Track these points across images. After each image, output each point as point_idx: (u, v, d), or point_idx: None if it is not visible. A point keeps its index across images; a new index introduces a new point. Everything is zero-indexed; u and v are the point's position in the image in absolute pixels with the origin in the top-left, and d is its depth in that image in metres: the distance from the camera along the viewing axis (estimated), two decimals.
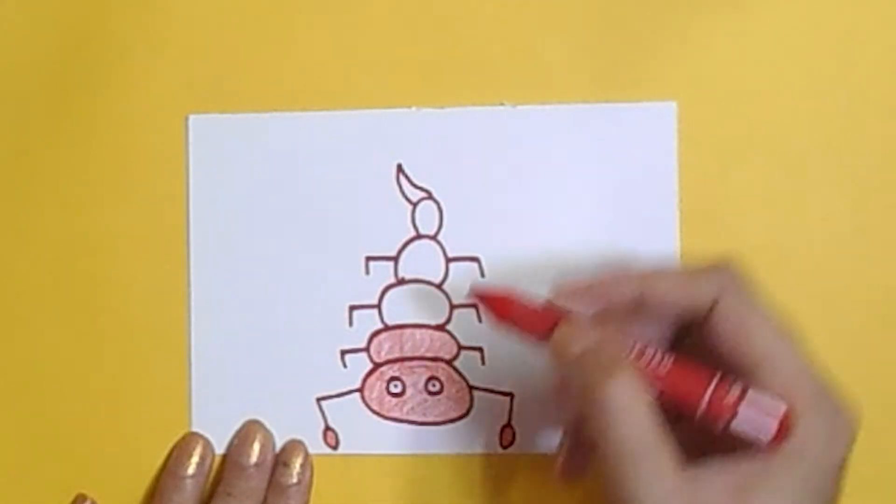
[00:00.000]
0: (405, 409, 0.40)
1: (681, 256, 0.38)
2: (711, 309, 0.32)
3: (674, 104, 0.39)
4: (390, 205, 0.40)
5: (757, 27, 0.39)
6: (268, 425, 0.40)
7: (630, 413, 0.30)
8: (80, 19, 0.41)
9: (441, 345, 0.39)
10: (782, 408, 0.30)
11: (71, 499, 0.40)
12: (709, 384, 0.31)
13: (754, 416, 0.30)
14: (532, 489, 0.39)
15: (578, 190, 0.39)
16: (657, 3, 0.39)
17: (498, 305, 0.35)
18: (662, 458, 0.30)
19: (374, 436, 0.40)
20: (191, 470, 0.39)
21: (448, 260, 0.39)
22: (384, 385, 0.40)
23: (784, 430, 0.30)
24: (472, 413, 0.39)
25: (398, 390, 0.40)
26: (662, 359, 0.32)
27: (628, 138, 0.39)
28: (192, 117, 0.40)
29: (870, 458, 0.38)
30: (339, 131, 0.40)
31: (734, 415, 0.30)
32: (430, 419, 0.40)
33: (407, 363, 0.40)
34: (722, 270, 0.33)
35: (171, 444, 0.40)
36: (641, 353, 0.32)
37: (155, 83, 0.40)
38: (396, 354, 0.40)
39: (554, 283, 0.34)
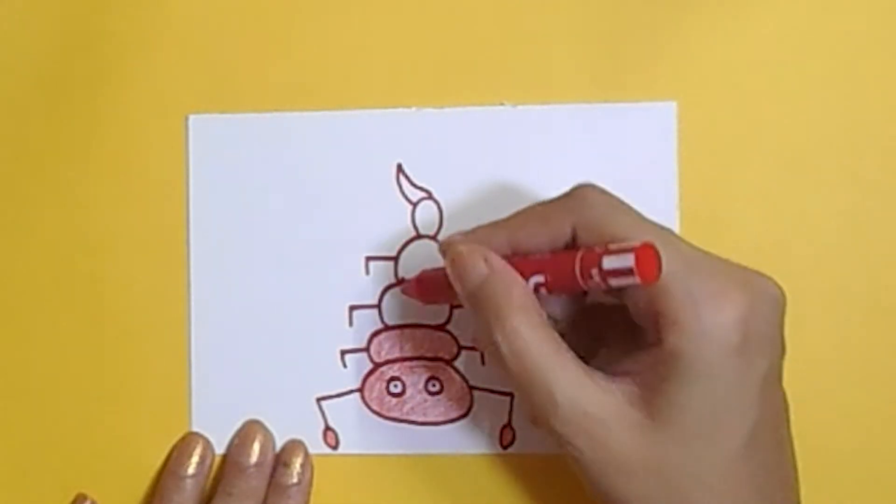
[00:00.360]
0: (405, 409, 0.40)
1: None
2: (577, 235, 0.33)
3: (674, 104, 0.39)
4: (390, 205, 0.40)
5: (757, 27, 0.39)
6: (268, 425, 0.40)
7: (522, 352, 0.31)
8: (80, 19, 0.41)
9: (441, 345, 0.39)
10: (637, 243, 0.30)
11: (71, 499, 0.40)
12: (575, 253, 0.32)
13: (616, 257, 0.30)
14: (532, 489, 0.39)
15: None
16: (657, 3, 0.39)
17: (415, 289, 0.37)
18: (564, 373, 0.31)
19: (374, 436, 0.40)
20: (191, 470, 0.39)
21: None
22: (384, 385, 0.40)
23: (649, 262, 0.30)
24: (472, 413, 0.39)
25: (398, 390, 0.40)
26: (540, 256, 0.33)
27: (628, 138, 0.39)
28: (192, 117, 0.40)
29: (870, 458, 0.38)
30: (339, 131, 0.40)
31: (600, 263, 0.31)
32: (430, 419, 0.40)
33: (407, 363, 0.40)
34: (573, 197, 0.33)
35: (171, 444, 0.40)
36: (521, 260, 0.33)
37: (155, 83, 0.40)
38: (396, 354, 0.40)
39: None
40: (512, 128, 0.39)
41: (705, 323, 0.30)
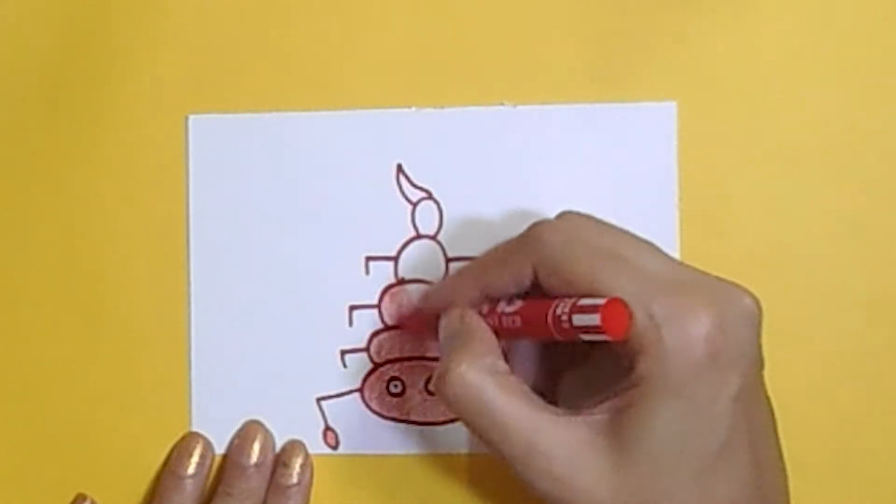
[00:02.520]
0: (405, 409, 0.40)
1: (681, 256, 0.38)
2: (537, 275, 0.33)
3: (674, 104, 0.39)
4: (390, 205, 0.40)
5: (757, 27, 0.39)
6: (268, 425, 0.40)
7: (462, 397, 0.32)
8: (80, 19, 0.41)
9: None
10: (602, 301, 0.30)
11: (71, 499, 0.40)
12: (549, 307, 0.32)
13: (584, 315, 0.30)
14: None
15: (578, 190, 0.39)
16: (657, 3, 0.39)
17: (414, 325, 0.39)
18: (515, 415, 0.32)
19: (374, 436, 0.40)
20: (191, 470, 0.39)
21: (448, 260, 0.39)
22: (384, 385, 0.40)
23: (615, 318, 0.30)
24: None
25: (398, 390, 0.40)
26: (513, 304, 0.34)
27: (628, 138, 0.39)
28: (192, 117, 0.40)
29: (870, 458, 0.38)
30: (339, 131, 0.40)
31: (570, 320, 0.31)
32: (430, 419, 0.40)
33: (407, 363, 0.40)
34: (529, 237, 0.33)
35: (171, 444, 0.40)
36: (492, 309, 0.34)
37: (155, 83, 0.40)
38: (396, 354, 0.40)
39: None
40: (512, 128, 0.39)
41: (669, 344, 0.30)
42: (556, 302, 0.32)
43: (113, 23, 0.41)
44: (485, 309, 0.35)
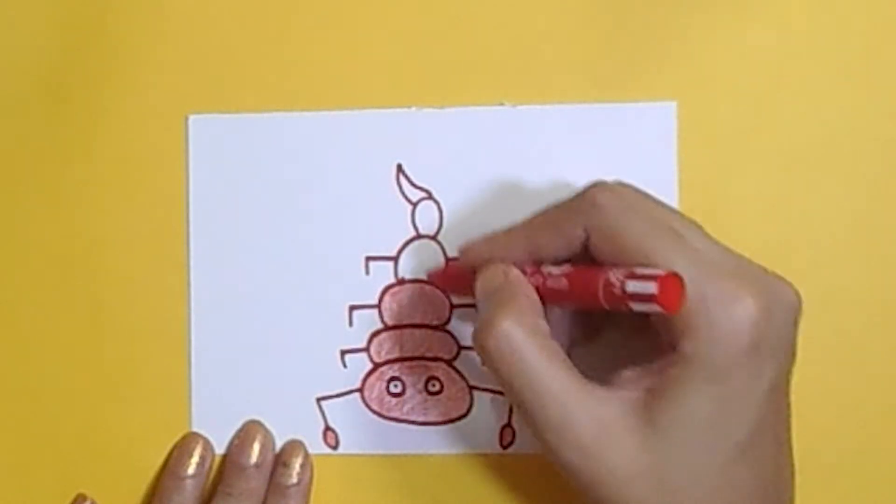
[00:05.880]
0: (405, 409, 0.40)
1: None
2: (590, 239, 0.32)
3: (674, 104, 0.39)
4: (390, 205, 0.40)
5: (757, 27, 0.39)
6: (268, 425, 0.40)
7: (508, 354, 0.31)
8: (80, 19, 0.41)
9: (441, 345, 0.39)
10: (661, 272, 0.30)
11: (71, 499, 0.40)
12: (599, 274, 0.31)
13: (639, 283, 0.30)
14: (532, 489, 0.39)
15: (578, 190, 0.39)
16: (657, 3, 0.39)
17: (443, 279, 0.39)
18: (554, 381, 0.31)
19: (374, 436, 0.40)
20: (191, 470, 0.39)
21: (448, 260, 0.39)
22: (384, 385, 0.40)
23: (672, 291, 0.29)
24: (472, 413, 0.39)
25: (398, 390, 0.40)
26: (560, 267, 0.33)
27: (628, 138, 0.39)
28: (192, 117, 0.40)
29: (870, 457, 0.38)
30: (339, 131, 0.40)
31: (623, 287, 0.30)
32: (430, 419, 0.40)
33: (407, 363, 0.40)
34: (584, 200, 0.33)
35: (171, 444, 0.40)
36: (537, 270, 0.33)
37: (155, 83, 0.40)
38: (396, 354, 0.40)
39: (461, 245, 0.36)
40: (512, 128, 0.39)
41: (717, 327, 0.30)
42: (608, 268, 0.31)
43: (113, 23, 0.41)
44: (528, 269, 0.34)
